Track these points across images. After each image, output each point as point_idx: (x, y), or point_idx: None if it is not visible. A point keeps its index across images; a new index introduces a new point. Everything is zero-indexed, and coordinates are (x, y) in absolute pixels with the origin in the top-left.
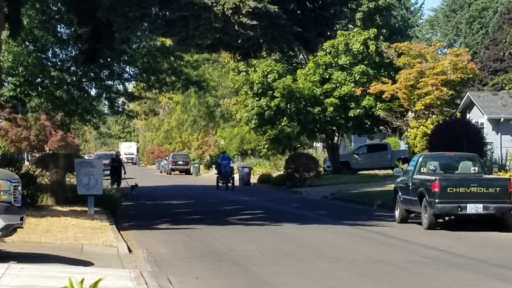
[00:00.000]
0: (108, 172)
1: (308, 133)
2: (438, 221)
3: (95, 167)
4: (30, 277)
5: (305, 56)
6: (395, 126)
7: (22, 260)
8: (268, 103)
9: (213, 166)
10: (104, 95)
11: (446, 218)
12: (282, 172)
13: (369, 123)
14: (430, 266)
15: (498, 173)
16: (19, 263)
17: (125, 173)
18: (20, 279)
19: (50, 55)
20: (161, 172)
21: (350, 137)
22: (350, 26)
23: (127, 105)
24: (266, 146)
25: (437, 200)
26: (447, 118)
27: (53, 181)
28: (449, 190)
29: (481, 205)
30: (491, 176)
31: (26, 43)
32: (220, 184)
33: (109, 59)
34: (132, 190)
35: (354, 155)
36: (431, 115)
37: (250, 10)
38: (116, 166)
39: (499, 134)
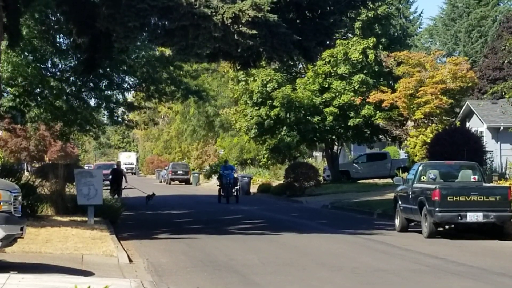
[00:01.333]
0: (107, 182)
1: (307, 143)
2: (438, 230)
3: (95, 177)
4: (31, 287)
5: (304, 65)
6: (394, 135)
7: (22, 270)
8: (268, 112)
9: (213, 175)
10: (103, 105)
11: (446, 226)
12: (282, 182)
13: (368, 132)
14: (430, 274)
15: (498, 181)
16: (19, 273)
17: (126, 182)
18: None
19: (50, 65)
20: (161, 182)
21: (349, 146)
22: (349, 35)
23: (127, 115)
24: (265, 155)
25: (437, 209)
26: (447, 127)
27: (53, 191)
28: (449, 198)
29: (481, 214)
30: (491, 184)
31: (25, 53)
32: (223, 196)
33: (108, 69)
34: (147, 200)
35: (354, 164)
36: (430, 124)
37: (250, 19)
38: (116, 176)
39: (499, 142)
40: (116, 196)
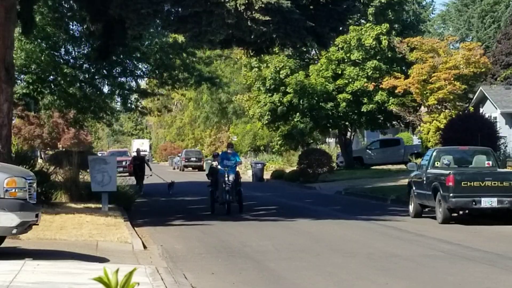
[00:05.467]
0: (121, 169)
1: (321, 129)
2: (452, 215)
3: (108, 164)
4: (46, 274)
5: (318, 52)
6: (408, 121)
7: (37, 257)
8: (281, 99)
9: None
10: (117, 92)
11: (461, 212)
12: (295, 168)
13: (382, 118)
14: (445, 260)
15: None
16: (34, 260)
17: (150, 170)
18: (36, 276)
19: (63, 53)
20: (174, 168)
21: (363, 132)
22: (362, 21)
23: (140, 102)
24: (279, 142)
25: (451, 194)
26: (460, 113)
27: (67, 178)
28: (464, 184)
29: (495, 199)
30: (505, 170)
31: (39, 40)
32: (218, 203)
33: (121, 56)
34: (169, 188)
35: (367, 150)
36: (444, 110)
37: (263, 5)
38: (139, 164)
39: None
40: (139, 184)
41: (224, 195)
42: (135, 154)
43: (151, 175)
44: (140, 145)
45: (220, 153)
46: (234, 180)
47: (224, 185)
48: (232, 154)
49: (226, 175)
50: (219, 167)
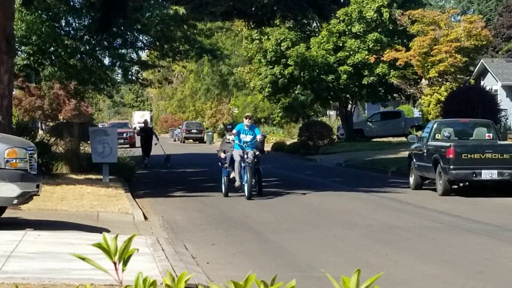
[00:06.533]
0: (122, 141)
1: (321, 101)
2: (452, 188)
3: (109, 136)
4: (47, 244)
5: (319, 24)
6: (408, 93)
7: (38, 227)
8: (282, 71)
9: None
10: (117, 64)
11: (461, 184)
12: (296, 140)
13: (382, 90)
14: (445, 231)
15: None
16: (35, 230)
17: (158, 140)
18: (37, 246)
19: (63, 24)
20: (175, 140)
21: (363, 104)
22: None
23: (141, 74)
24: (279, 114)
25: (451, 167)
26: (461, 85)
27: (68, 150)
28: (464, 156)
29: (495, 171)
30: (505, 142)
31: (39, 11)
32: (235, 184)
33: (122, 28)
34: (166, 162)
35: (368, 123)
36: (445, 82)
37: None
38: (146, 135)
39: None
40: (146, 158)
41: (243, 176)
42: (142, 125)
43: (156, 144)
44: (141, 117)
45: (232, 125)
46: (254, 158)
47: (242, 164)
48: (251, 127)
49: (244, 152)
50: (236, 142)
